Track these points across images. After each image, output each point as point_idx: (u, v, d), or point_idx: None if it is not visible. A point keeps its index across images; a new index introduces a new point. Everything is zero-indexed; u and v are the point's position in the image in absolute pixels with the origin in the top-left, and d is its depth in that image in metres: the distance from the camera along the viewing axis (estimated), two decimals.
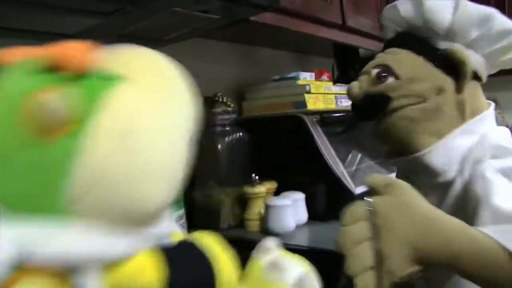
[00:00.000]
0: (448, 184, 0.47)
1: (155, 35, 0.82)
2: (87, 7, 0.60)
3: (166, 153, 0.27)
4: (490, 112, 0.49)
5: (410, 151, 0.48)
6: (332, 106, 1.19)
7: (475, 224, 0.40)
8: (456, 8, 0.45)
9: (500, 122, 0.50)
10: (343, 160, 0.99)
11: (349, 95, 0.50)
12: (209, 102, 1.04)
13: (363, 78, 0.49)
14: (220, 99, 1.03)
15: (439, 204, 0.46)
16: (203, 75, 1.14)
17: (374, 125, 0.50)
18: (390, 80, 0.47)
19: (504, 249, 0.33)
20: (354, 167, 1.02)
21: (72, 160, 0.24)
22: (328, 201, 0.97)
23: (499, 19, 0.46)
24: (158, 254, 0.27)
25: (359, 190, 0.95)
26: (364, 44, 1.34)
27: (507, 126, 0.51)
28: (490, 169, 0.42)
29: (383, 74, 0.47)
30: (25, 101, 0.23)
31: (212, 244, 0.31)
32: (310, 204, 0.96)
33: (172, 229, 0.32)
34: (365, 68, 0.50)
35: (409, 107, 0.46)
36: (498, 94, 2.53)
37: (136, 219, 0.26)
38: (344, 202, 0.95)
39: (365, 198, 0.39)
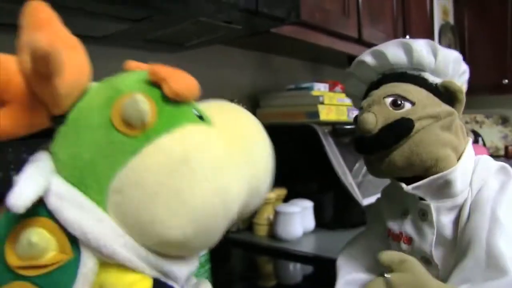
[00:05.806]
0: (460, 208, 0.47)
1: (178, 41, 0.85)
2: (118, 13, 0.63)
3: (207, 202, 0.27)
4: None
5: (437, 169, 0.47)
6: (344, 118, 1.21)
7: (465, 256, 0.43)
8: (435, 52, 0.50)
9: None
10: (350, 170, 1.01)
11: (365, 128, 0.48)
12: None
13: (375, 109, 0.49)
14: None
15: (455, 229, 0.47)
16: (220, 80, 1.17)
17: (380, 159, 0.49)
18: (407, 106, 0.48)
19: None
20: (360, 177, 1.03)
21: (130, 156, 0.26)
22: (336, 211, 0.99)
23: (462, 60, 0.53)
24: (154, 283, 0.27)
25: (366, 201, 0.97)
26: None
27: None
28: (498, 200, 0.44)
29: (399, 102, 0.48)
30: (121, 96, 0.27)
31: None
32: (318, 213, 0.98)
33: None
34: (371, 99, 0.50)
35: (432, 124, 0.47)
36: (509, 111, 2.53)
37: (152, 243, 0.27)
38: (351, 212, 0.98)
39: (384, 275, 0.44)
